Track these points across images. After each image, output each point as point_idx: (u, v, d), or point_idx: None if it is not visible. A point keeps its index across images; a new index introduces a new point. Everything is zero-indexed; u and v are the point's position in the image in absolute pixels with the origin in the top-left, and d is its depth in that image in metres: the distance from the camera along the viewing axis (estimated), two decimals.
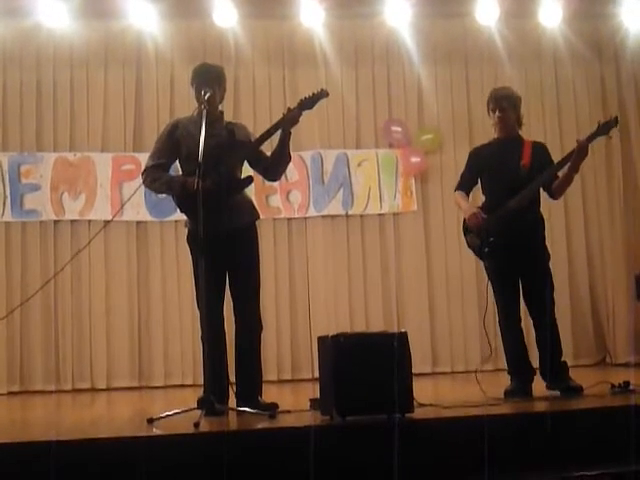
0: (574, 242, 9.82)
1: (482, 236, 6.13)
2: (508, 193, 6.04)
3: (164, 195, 6.09)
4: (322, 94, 5.77)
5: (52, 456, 4.21)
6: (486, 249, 6.11)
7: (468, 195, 6.41)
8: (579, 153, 5.93)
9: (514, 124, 6.26)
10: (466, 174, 6.41)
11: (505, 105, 6.21)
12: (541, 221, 6.22)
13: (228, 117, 6.11)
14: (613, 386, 5.88)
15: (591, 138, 6.00)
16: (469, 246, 6.32)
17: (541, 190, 6.19)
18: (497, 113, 6.22)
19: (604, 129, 6.01)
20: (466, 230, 6.29)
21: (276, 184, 8.97)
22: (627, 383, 5.85)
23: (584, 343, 9.50)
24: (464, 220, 6.29)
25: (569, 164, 6.00)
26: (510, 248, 6.01)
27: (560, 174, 6.14)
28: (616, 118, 6.08)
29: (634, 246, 9.81)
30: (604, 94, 10.09)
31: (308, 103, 5.74)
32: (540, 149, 6.25)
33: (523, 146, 6.19)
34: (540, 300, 6.05)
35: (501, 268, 6.13)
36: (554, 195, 6.24)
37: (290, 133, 5.73)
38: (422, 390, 5.38)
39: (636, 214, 9.95)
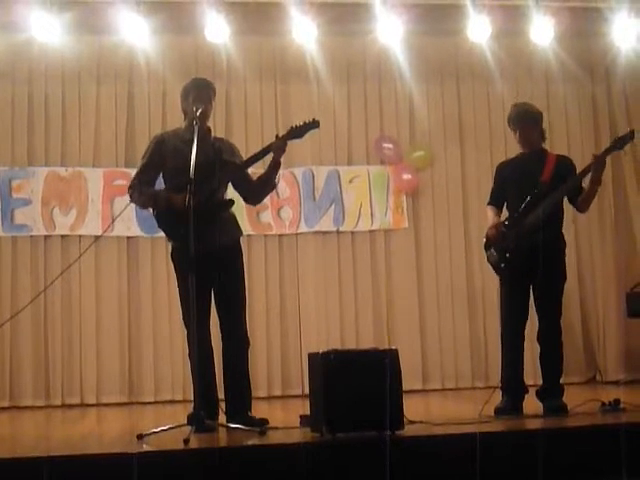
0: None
1: (499, 251, 6.13)
2: (528, 208, 6.05)
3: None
4: (313, 125, 5.77)
5: (42, 472, 4.19)
6: (502, 264, 6.13)
7: (500, 209, 6.40)
8: (596, 166, 5.94)
9: (537, 139, 6.26)
10: (494, 188, 6.45)
11: (524, 121, 6.22)
12: (561, 240, 6.18)
13: (220, 133, 6.12)
14: (603, 404, 5.89)
15: (607, 152, 6.04)
16: (488, 261, 6.30)
17: (565, 209, 6.21)
18: (517, 129, 6.25)
19: (619, 143, 6.03)
20: (487, 246, 6.27)
21: (267, 200, 8.91)
22: (617, 401, 5.87)
23: (574, 361, 9.44)
24: (486, 234, 6.29)
25: (590, 178, 6.00)
26: (526, 266, 6.00)
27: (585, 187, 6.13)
28: (632, 132, 6.05)
29: (625, 263, 9.82)
30: (595, 112, 10.14)
31: (297, 132, 5.75)
32: (564, 163, 6.22)
33: (546, 161, 6.16)
34: (549, 321, 6.05)
35: (514, 284, 6.12)
36: (579, 208, 6.24)
37: (280, 163, 5.75)
38: (412, 407, 5.38)
39: (626, 232, 9.96)
